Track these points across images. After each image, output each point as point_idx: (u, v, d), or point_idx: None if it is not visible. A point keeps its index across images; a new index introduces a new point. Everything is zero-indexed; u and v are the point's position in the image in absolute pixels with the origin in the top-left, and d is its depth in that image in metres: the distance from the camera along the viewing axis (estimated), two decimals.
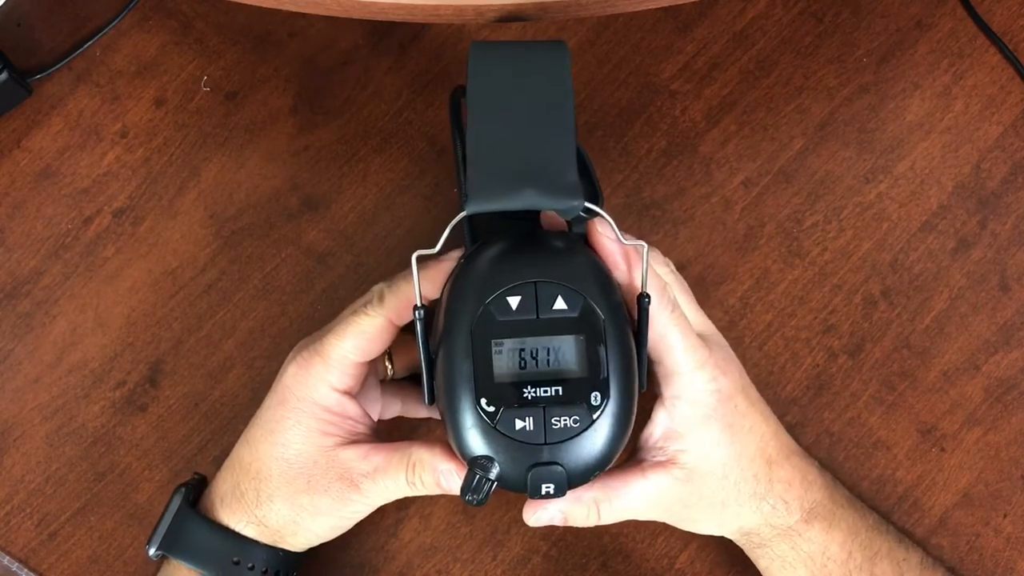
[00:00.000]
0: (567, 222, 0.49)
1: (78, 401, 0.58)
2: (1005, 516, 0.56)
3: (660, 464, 0.49)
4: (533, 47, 0.50)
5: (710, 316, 0.53)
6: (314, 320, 0.58)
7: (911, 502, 0.57)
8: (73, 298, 0.59)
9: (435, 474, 0.47)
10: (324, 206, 0.60)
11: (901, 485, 0.57)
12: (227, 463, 0.52)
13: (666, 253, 0.58)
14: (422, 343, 0.46)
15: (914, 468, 0.57)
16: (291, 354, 0.51)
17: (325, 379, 0.49)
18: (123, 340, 0.58)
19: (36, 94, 0.61)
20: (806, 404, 0.58)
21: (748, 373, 0.52)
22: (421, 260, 0.45)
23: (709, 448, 0.49)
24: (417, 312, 0.46)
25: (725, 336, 0.52)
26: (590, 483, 0.47)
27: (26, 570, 0.56)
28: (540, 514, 0.48)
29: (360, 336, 0.48)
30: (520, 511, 0.49)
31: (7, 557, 0.56)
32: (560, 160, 0.45)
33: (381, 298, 0.49)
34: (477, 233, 0.52)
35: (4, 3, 0.60)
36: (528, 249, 0.47)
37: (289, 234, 0.59)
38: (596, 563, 0.56)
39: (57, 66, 0.61)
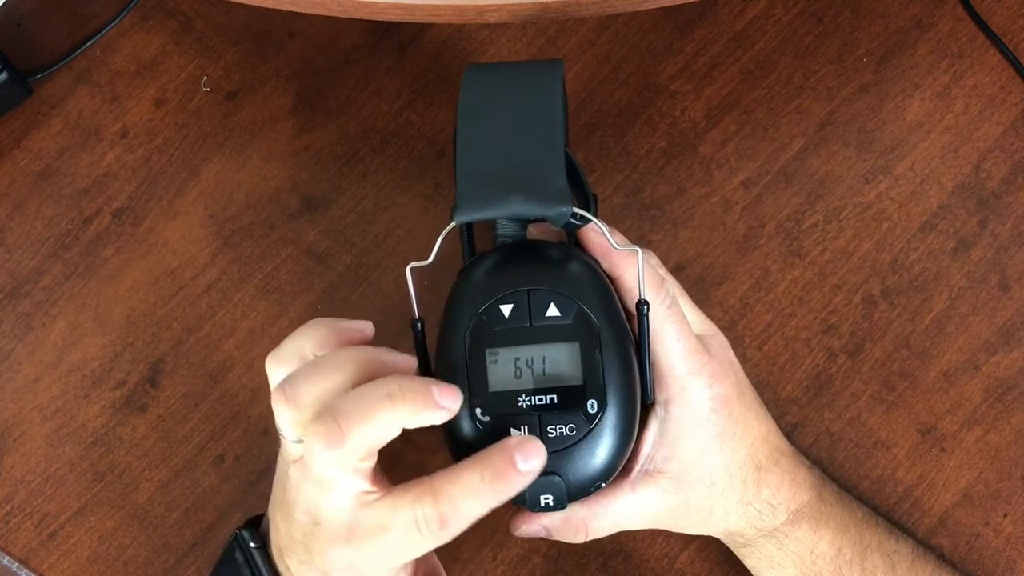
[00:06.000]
0: (567, 234, 0.49)
1: (78, 401, 0.58)
2: (1005, 516, 0.56)
3: (648, 475, 0.48)
4: (526, 65, 0.50)
5: (710, 316, 0.52)
6: None
7: (911, 502, 0.57)
8: (73, 298, 0.59)
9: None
10: (324, 206, 0.60)
11: (901, 485, 0.57)
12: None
13: (666, 253, 0.59)
14: (420, 358, 0.46)
15: (914, 468, 0.57)
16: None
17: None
18: (123, 340, 0.58)
19: (36, 94, 0.61)
20: (806, 404, 0.58)
21: (748, 373, 0.52)
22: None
23: (698, 457, 0.48)
24: (414, 326, 0.46)
25: (725, 336, 0.52)
26: (583, 499, 0.46)
27: (26, 570, 0.56)
28: (525, 527, 0.48)
29: None
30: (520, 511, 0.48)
31: (7, 557, 0.56)
32: (548, 167, 0.45)
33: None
34: (475, 247, 0.52)
35: (4, 3, 0.60)
36: (521, 258, 0.47)
37: (289, 234, 0.59)
38: (596, 563, 0.56)
39: (57, 66, 0.61)
